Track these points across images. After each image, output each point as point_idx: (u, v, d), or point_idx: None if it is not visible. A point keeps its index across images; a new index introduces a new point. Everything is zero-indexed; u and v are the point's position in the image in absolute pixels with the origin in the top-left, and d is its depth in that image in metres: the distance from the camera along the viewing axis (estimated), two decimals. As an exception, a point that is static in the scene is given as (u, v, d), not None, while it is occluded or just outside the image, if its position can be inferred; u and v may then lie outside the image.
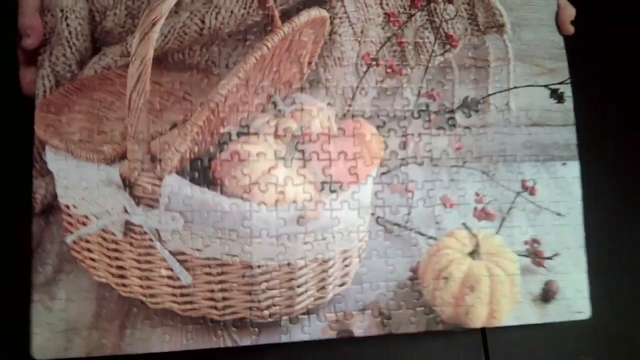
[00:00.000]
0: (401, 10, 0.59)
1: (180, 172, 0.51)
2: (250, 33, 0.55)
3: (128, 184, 0.49)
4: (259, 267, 0.52)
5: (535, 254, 0.58)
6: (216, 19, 0.54)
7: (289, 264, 0.52)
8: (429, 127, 0.58)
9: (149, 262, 0.50)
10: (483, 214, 0.58)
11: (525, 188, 0.59)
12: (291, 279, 0.53)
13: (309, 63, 0.57)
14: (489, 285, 0.57)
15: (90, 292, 0.50)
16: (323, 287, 0.54)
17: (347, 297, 0.55)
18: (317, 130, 0.56)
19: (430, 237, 0.57)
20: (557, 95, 0.60)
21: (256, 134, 0.54)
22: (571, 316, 0.58)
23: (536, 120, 0.60)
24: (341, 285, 0.55)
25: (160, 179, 0.50)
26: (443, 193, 0.57)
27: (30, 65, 0.49)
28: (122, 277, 0.51)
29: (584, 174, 0.59)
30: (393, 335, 0.54)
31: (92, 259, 0.50)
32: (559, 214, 0.59)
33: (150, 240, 0.50)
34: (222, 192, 0.51)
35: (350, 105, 0.57)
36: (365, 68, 0.58)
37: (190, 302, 0.51)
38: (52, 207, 0.50)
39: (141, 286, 0.51)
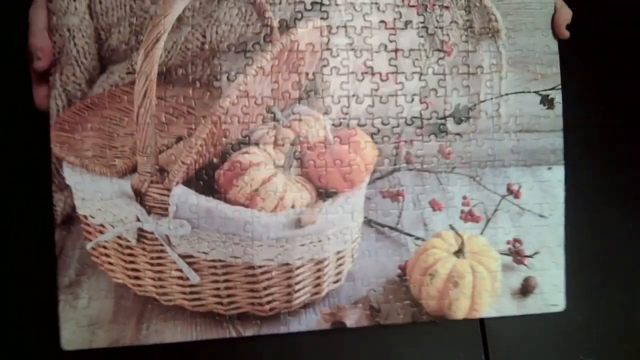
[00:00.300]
0: (397, 17, 0.59)
1: (187, 183, 0.55)
2: (250, 45, 0.57)
3: (139, 195, 0.54)
4: (260, 267, 0.57)
5: (516, 253, 0.62)
6: (217, 32, 0.56)
7: (287, 264, 0.57)
8: (420, 134, 0.60)
9: (160, 264, 0.56)
10: (469, 216, 0.61)
11: (510, 192, 0.62)
12: (289, 278, 0.58)
13: (307, 74, 0.59)
14: (472, 281, 0.61)
15: (109, 292, 0.55)
16: (318, 284, 0.59)
17: (340, 293, 0.60)
18: (314, 139, 0.59)
19: (419, 238, 0.61)
20: (547, 101, 0.62)
21: (256, 144, 0.58)
22: (547, 309, 0.62)
23: (525, 126, 0.62)
24: (335, 282, 0.60)
25: (169, 189, 0.54)
26: (432, 197, 0.61)
27: (42, 83, 0.52)
28: (137, 278, 0.56)
29: (569, 177, 0.62)
30: (381, 326, 0.59)
31: (110, 263, 0.56)
32: (541, 216, 0.62)
33: (161, 245, 0.55)
34: (225, 200, 0.55)
35: (346, 114, 0.59)
36: (361, 77, 0.60)
37: (199, 299, 0.57)
38: (72, 218, 0.55)
39: (154, 286, 0.56)
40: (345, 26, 0.58)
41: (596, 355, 0.63)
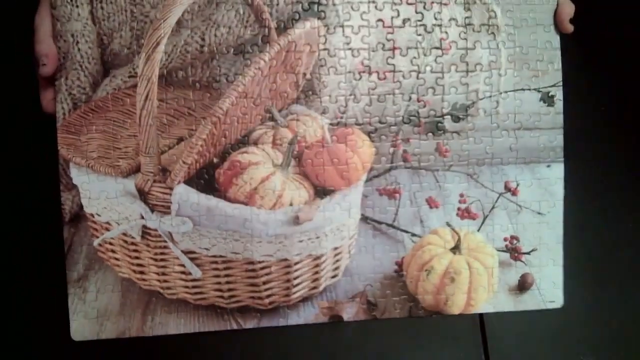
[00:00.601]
0: (394, 16, 0.59)
1: (188, 182, 0.56)
2: (248, 47, 0.58)
3: (143, 194, 0.56)
4: (259, 262, 0.58)
5: (514, 250, 0.62)
6: (215, 35, 0.57)
7: (285, 260, 0.59)
8: (418, 132, 0.60)
9: (164, 259, 0.58)
10: (466, 214, 0.61)
11: (508, 189, 0.62)
12: (288, 273, 0.59)
13: (304, 74, 0.59)
14: (468, 277, 0.61)
15: (115, 286, 0.58)
16: (316, 279, 0.60)
17: (337, 288, 0.61)
18: (312, 139, 0.59)
19: (415, 235, 0.61)
20: (547, 98, 0.61)
21: (255, 144, 0.59)
22: (544, 305, 0.62)
23: (524, 124, 0.61)
24: (333, 277, 0.61)
25: (171, 188, 0.56)
26: (429, 195, 0.61)
27: (49, 87, 0.54)
28: (141, 273, 0.58)
29: (569, 175, 0.61)
30: (377, 320, 0.60)
31: (116, 259, 0.58)
32: (539, 213, 0.62)
33: (165, 241, 0.57)
34: (225, 199, 0.57)
35: (343, 113, 0.60)
36: (358, 76, 0.60)
37: (201, 293, 0.59)
38: (79, 216, 0.57)
39: (158, 280, 0.58)
40: (342, 25, 0.58)
41: (596, 353, 0.63)
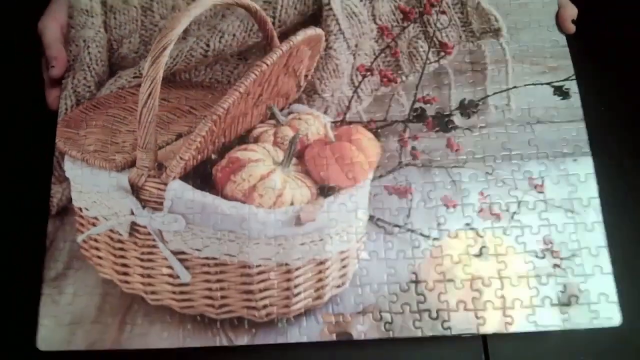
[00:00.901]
0: (394, 24, 0.60)
1: (184, 178, 0.53)
2: (251, 53, 0.58)
3: (135, 189, 0.52)
4: (256, 267, 0.51)
5: (549, 254, 0.53)
6: (220, 42, 0.58)
7: (285, 265, 0.51)
8: (426, 130, 0.57)
9: (151, 260, 0.51)
10: (488, 214, 0.54)
11: (533, 186, 0.55)
12: (288, 280, 0.51)
13: (306, 76, 0.59)
14: (500, 287, 0.52)
15: (95, 288, 0.51)
16: (320, 288, 0.52)
17: (345, 299, 0.52)
18: (314, 137, 0.56)
19: (433, 238, 0.54)
20: (561, 92, 0.57)
21: (255, 142, 0.56)
22: (599, 323, 0.51)
23: (540, 117, 0.57)
24: (339, 286, 0.53)
25: (165, 184, 0.52)
26: (443, 193, 0.55)
27: (55, 86, 0.55)
28: (125, 274, 0.52)
29: (599, 170, 0.54)
30: (393, 340, 0.50)
31: (99, 257, 0.52)
32: (572, 212, 0.54)
33: (153, 240, 0.51)
34: (222, 196, 0.52)
35: (346, 113, 0.58)
36: (360, 78, 0.59)
37: (188, 300, 0.51)
38: (67, 210, 0.53)
39: (142, 283, 0.52)
40: (343, 33, 0.59)
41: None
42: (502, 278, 0.49)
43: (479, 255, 0.50)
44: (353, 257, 0.51)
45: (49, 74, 0.52)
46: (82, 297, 0.48)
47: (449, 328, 0.49)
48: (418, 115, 0.54)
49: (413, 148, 0.54)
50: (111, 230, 0.50)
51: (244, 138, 0.53)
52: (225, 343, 0.48)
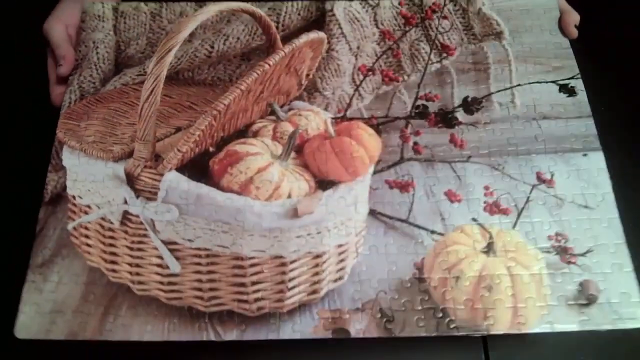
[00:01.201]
0: (396, 28, 0.60)
1: (180, 169, 0.51)
2: (254, 54, 0.59)
3: (131, 179, 0.51)
4: (249, 259, 0.48)
5: (563, 251, 0.49)
6: (224, 44, 0.58)
7: (280, 257, 0.48)
8: (428, 125, 0.55)
9: (141, 249, 0.49)
10: (495, 208, 0.51)
11: (542, 180, 0.52)
12: (282, 273, 0.48)
13: (307, 75, 0.58)
14: (510, 285, 0.48)
15: (81, 276, 0.48)
16: (316, 282, 0.49)
17: (343, 294, 0.48)
18: (314, 132, 0.55)
19: (436, 232, 0.50)
20: (567, 90, 0.56)
21: (254, 137, 0.55)
22: (622, 324, 0.46)
23: (547, 113, 0.55)
24: (336, 280, 0.49)
25: (161, 175, 0.51)
26: (447, 188, 0.52)
27: (61, 83, 0.56)
28: (113, 262, 0.49)
29: (611, 164, 0.51)
30: (389, 339, 0.46)
31: (88, 245, 0.50)
32: (586, 207, 0.51)
33: (145, 230, 0.49)
34: (218, 188, 0.51)
35: (346, 110, 0.56)
36: (361, 77, 0.58)
37: (177, 291, 0.48)
38: (60, 198, 0.52)
39: (130, 272, 0.49)
40: (345, 36, 0.59)
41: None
42: (512, 275, 0.45)
43: (487, 251, 0.47)
44: (352, 251, 0.48)
45: (56, 72, 0.53)
46: (67, 285, 0.46)
47: (456, 328, 0.44)
48: (420, 113, 0.53)
49: (415, 143, 0.52)
50: (102, 219, 0.48)
51: (243, 133, 0.52)
52: (213, 338, 0.44)
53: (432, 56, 0.56)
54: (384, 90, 0.55)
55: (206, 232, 0.47)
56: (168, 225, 0.47)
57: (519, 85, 0.54)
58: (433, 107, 0.53)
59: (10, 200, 0.52)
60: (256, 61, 0.56)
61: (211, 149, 0.51)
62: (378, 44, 0.57)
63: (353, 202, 0.49)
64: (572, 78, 0.54)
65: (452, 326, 0.44)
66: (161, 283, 0.46)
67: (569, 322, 0.44)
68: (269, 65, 0.52)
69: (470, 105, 0.53)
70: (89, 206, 0.49)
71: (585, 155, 0.50)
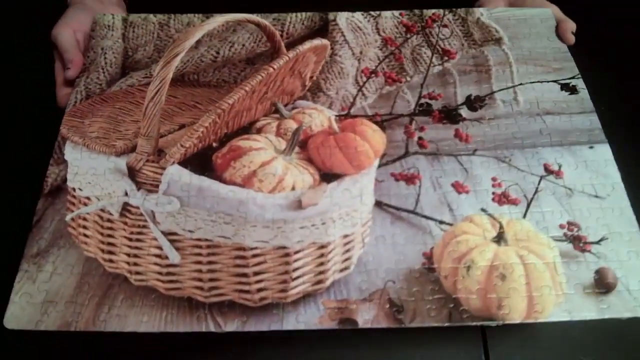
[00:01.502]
0: (397, 35, 0.61)
1: (182, 163, 0.51)
2: (259, 58, 0.60)
3: (132, 172, 0.50)
4: (251, 249, 0.46)
5: (576, 239, 0.47)
6: (229, 50, 0.60)
7: (284, 248, 0.47)
8: (432, 122, 0.55)
9: (139, 240, 0.47)
10: (504, 199, 0.50)
11: (549, 171, 0.51)
12: (286, 263, 0.46)
13: (311, 77, 0.59)
14: (524, 274, 0.46)
15: (76, 267, 0.46)
16: (322, 272, 0.46)
17: (349, 284, 0.46)
18: (318, 129, 0.55)
19: (444, 222, 0.49)
20: (569, 88, 0.56)
21: (258, 133, 0.55)
22: (642, 312, 0.43)
23: (550, 109, 0.55)
24: (342, 270, 0.47)
25: (163, 168, 0.50)
26: (454, 179, 0.51)
27: (67, 85, 0.56)
28: (110, 252, 0.47)
29: (617, 156, 0.51)
30: (389, 336, 0.43)
31: (86, 235, 0.48)
32: (597, 197, 0.49)
33: (145, 221, 0.47)
34: (221, 182, 0.50)
35: (350, 108, 0.56)
36: (364, 79, 0.59)
37: (176, 281, 0.46)
38: (60, 190, 0.51)
39: (128, 263, 0.47)
40: (348, 42, 0.60)
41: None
42: (525, 264, 0.44)
43: (497, 240, 0.45)
44: (358, 241, 0.46)
45: (64, 75, 0.53)
46: (61, 275, 0.44)
47: (470, 317, 0.42)
48: (424, 110, 0.53)
49: (420, 138, 0.51)
50: (102, 210, 0.47)
51: (247, 130, 0.52)
52: (212, 329, 0.41)
53: (433, 59, 0.56)
54: (387, 90, 0.55)
55: (207, 224, 0.45)
56: (168, 217, 0.46)
57: (520, 84, 0.54)
58: (436, 105, 0.53)
59: (9, 195, 0.50)
60: (261, 65, 0.56)
61: (214, 145, 0.50)
62: (380, 49, 0.58)
63: (358, 193, 0.48)
64: (572, 78, 0.54)
65: (465, 316, 0.42)
66: (160, 273, 0.44)
67: (588, 310, 0.41)
68: (274, 68, 0.52)
69: (474, 103, 0.53)
70: (88, 198, 0.47)
71: (591, 147, 0.49)
